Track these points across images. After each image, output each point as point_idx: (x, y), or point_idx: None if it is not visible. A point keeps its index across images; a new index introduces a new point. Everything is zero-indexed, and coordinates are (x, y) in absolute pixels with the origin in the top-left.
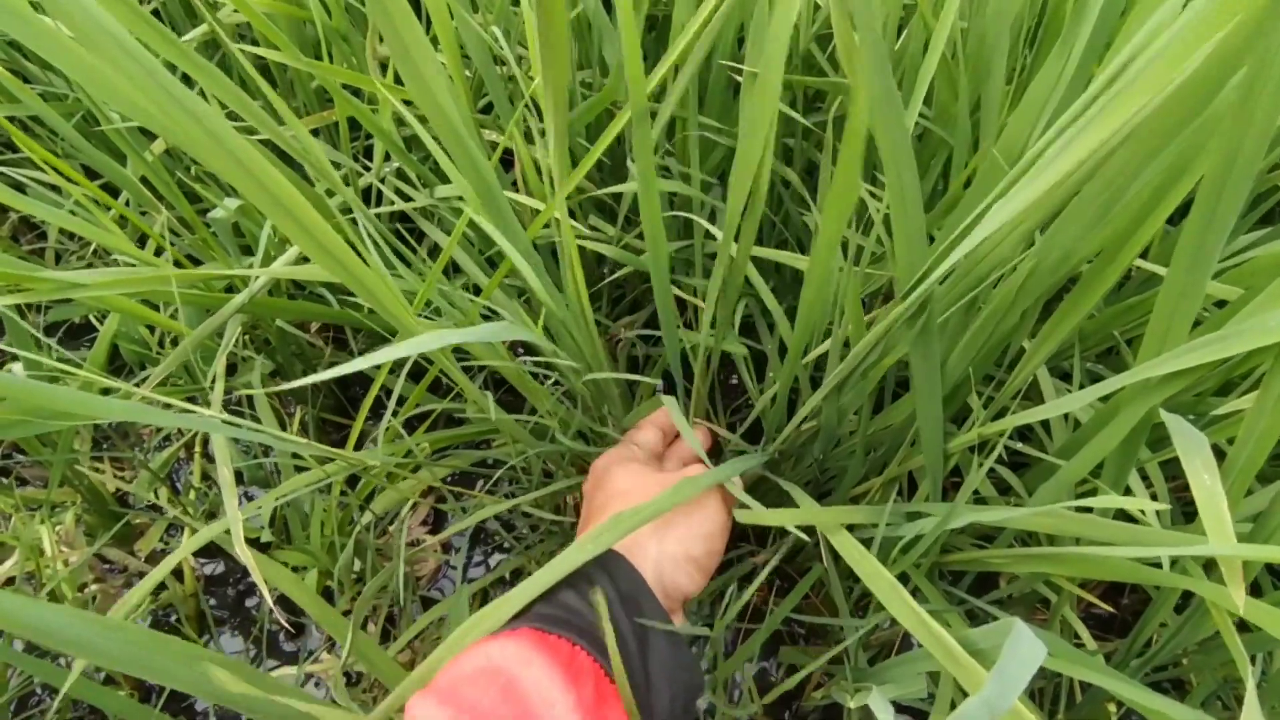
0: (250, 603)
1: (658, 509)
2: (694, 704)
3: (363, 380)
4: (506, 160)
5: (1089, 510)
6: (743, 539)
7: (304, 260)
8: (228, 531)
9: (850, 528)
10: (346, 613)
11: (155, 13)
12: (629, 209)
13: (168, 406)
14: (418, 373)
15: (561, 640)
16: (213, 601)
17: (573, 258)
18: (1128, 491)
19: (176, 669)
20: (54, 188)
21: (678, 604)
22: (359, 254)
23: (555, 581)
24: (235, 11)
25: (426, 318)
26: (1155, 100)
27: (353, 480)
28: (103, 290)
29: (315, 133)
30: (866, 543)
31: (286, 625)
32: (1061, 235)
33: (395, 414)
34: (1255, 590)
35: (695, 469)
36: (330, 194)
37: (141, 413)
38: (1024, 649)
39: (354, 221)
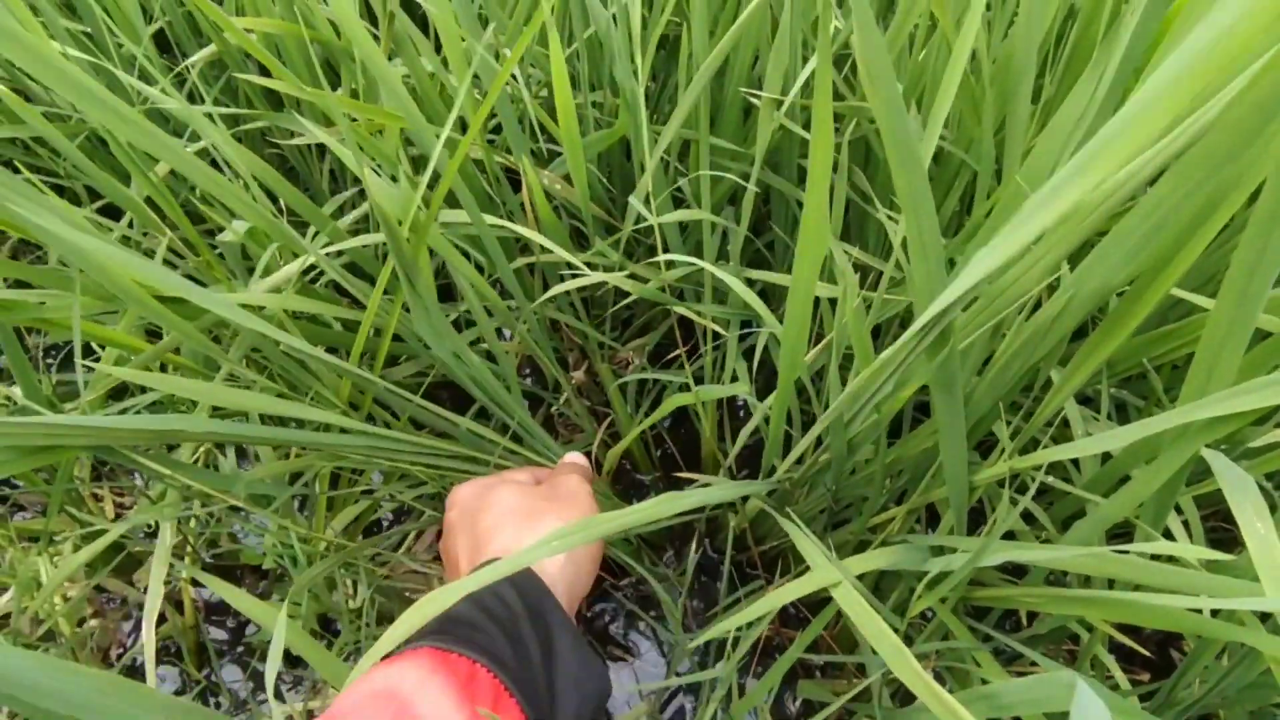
0: (251, 631)
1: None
2: (601, 708)
3: None
4: (515, 180)
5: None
6: (750, 566)
7: (314, 279)
8: (234, 554)
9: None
10: (348, 644)
11: (160, 32)
12: (633, 234)
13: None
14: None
15: (461, 658)
16: (212, 633)
17: None
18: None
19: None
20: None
21: (577, 603)
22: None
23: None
24: (248, 31)
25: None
26: (1211, 113)
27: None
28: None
29: (323, 151)
30: (891, 578)
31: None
32: (1101, 264)
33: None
34: None
35: (575, 456)
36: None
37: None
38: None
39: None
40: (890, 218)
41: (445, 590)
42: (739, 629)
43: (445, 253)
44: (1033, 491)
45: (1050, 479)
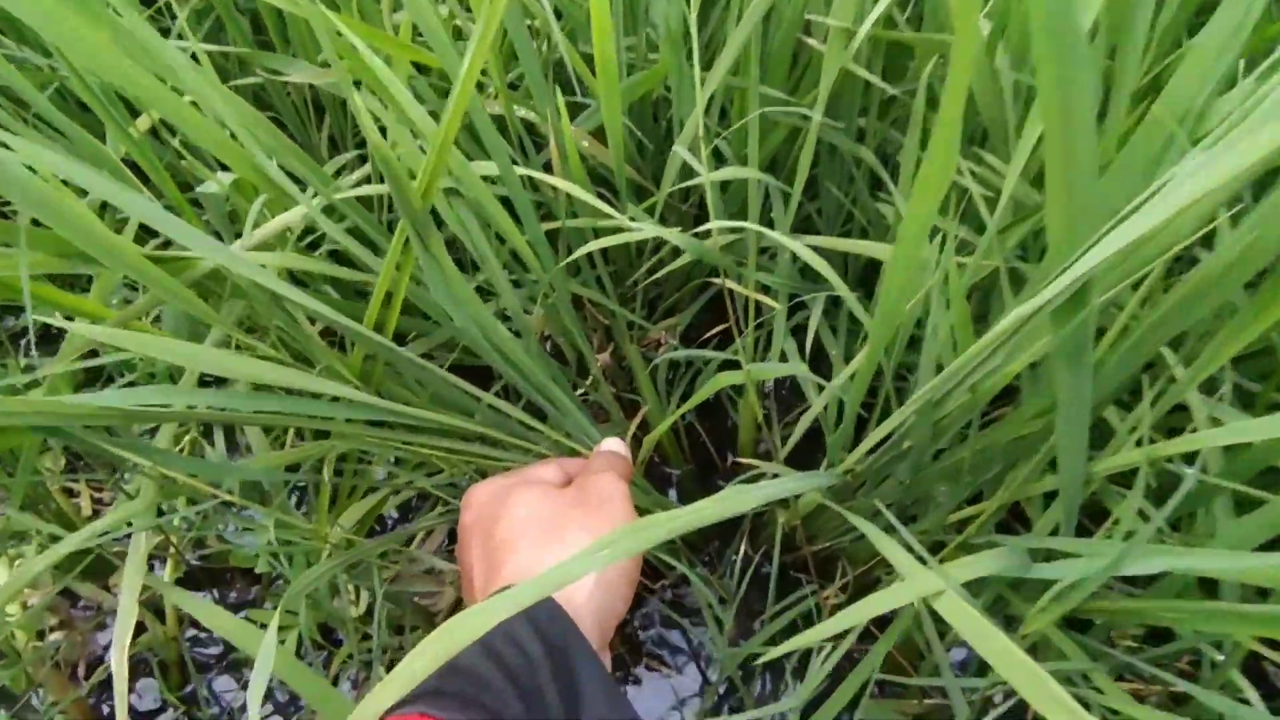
0: None
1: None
2: None
3: None
4: (536, 141)
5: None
6: (802, 570)
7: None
8: (223, 555)
9: None
10: (353, 656)
11: None
12: (668, 199)
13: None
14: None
15: None
16: (200, 639)
17: None
18: None
19: None
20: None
21: (611, 632)
22: None
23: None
24: None
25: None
26: None
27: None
28: None
29: (321, 114)
30: (974, 584)
31: None
32: None
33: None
34: None
35: (613, 443)
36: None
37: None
38: None
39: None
40: (971, 171)
41: (441, 634)
42: (817, 647)
43: (482, 199)
44: (1186, 488)
45: (1189, 471)
